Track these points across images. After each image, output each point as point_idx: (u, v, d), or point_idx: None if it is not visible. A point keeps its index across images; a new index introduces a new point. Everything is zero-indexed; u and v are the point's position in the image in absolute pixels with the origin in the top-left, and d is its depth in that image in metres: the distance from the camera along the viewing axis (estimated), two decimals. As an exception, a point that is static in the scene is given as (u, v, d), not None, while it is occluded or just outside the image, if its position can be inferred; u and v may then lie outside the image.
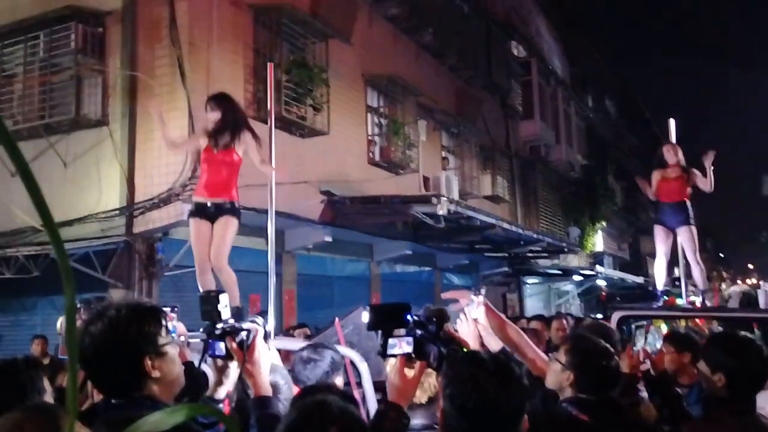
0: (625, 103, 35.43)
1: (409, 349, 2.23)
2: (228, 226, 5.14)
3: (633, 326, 7.08)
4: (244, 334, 2.37)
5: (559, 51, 25.63)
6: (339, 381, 3.21)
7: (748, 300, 7.60)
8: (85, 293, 8.71)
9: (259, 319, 2.61)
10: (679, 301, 7.80)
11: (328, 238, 10.93)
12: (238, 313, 3.74)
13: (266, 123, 9.85)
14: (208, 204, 5.18)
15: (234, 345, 2.33)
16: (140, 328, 1.95)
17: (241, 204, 8.93)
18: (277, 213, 9.93)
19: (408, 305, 2.35)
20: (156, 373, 1.96)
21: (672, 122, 7.98)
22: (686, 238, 7.29)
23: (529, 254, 17.39)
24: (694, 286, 7.53)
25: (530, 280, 21.74)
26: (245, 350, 2.34)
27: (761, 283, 12.96)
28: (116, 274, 8.79)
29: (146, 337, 1.95)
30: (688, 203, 7.38)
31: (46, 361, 8.45)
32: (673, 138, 7.86)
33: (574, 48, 26.95)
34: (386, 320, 2.32)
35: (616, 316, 7.11)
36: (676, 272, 8.20)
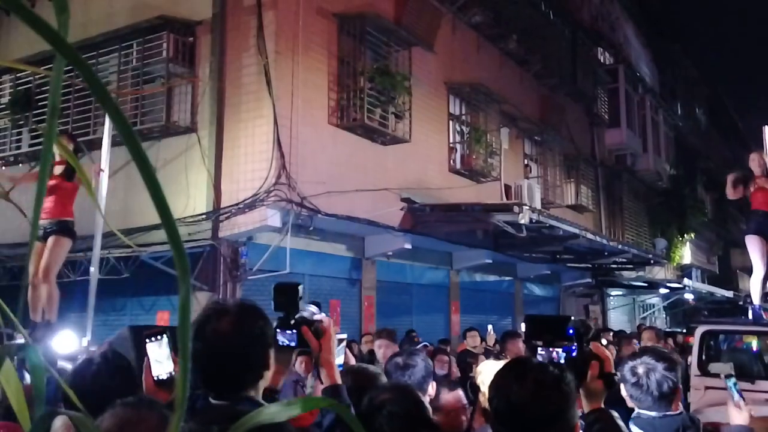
0: (717, 112, 34.05)
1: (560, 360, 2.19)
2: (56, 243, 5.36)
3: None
4: (318, 324, 2.39)
5: (648, 58, 24.80)
6: (432, 387, 3.28)
7: None
8: (172, 295, 8.86)
9: (314, 307, 2.54)
10: None
11: (408, 246, 10.80)
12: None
13: (349, 130, 9.94)
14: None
15: (311, 335, 2.34)
16: (264, 324, 2.04)
17: (324, 210, 8.98)
18: (358, 220, 10.00)
19: (569, 317, 2.33)
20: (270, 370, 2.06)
21: (766, 129, 7.53)
22: None
23: (614, 265, 16.90)
24: None
25: (614, 292, 21.11)
26: (320, 339, 2.36)
27: None
28: (202, 277, 8.90)
29: (268, 333, 2.06)
30: None
31: (134, 359, 8.67)
32: (767, 146, 7.40)
33: (663, 55, 26.07)
34: (546, 331, 2.27)
35: (700, 330, 6.86)
36: None
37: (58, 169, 5.42)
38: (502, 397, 1.82)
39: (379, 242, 10.86)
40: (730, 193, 7.12)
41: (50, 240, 5.35)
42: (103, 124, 9.33)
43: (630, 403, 2.79)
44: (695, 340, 6.88)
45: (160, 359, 2.92)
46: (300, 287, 2.48)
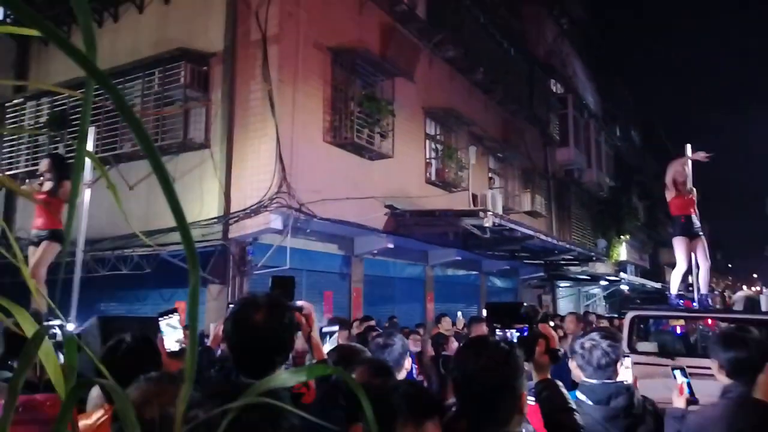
0: (649, 133, 34.38)
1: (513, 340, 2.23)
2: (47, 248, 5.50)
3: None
4: (305, 310, 2.41)
5: (593, 88, 24.97)
6: (408, 362, 3.28)
7: (752, 304, 7.12)
8: (187, 287, 8.74)
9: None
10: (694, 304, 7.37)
11: (391, 245, 10.76)
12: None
13: (341, 147, 9.89)
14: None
15: (303, 319, 2.35)
16: (291, 315, 2.06)
17: (319, 215, 8.91)
18: (348, 223, 9.92)
19: (522, 303, 2.37)
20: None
21: (689, 146, 7.54)
22: (702, 246, 6.88)
23: (562, 262, 16.92)
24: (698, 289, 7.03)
25: (563, 284, 21.20)
26: (309, 323, 2.39)
27: (763, 289, 12.17)
28: (214, 273, 8.78)
29: (294, 322, 2.07)
30: (696, 216, 7.00)
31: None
32: (689, 161, 7.37)
33: (605, 86, 26.28)
34: (504, 315, 2.30)
35: (629, 315, 6.78)
36: (689, 278, 7.67)
37: (47, 186, 5.46)
38: (461, 370, 1.82)
39: (366, 242, 10.80)
40: (669, 193, 7.04)
41: (42, 244, 5.47)
42: (130, 140, 9.26)
43: (577, 374, 2.78)
44: (625, 324, 6.77)
45: (170, 334, 2.90)
46: (294, 280, 2.50)
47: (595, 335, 2.76)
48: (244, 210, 8.72)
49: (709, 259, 6.90)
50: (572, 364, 2.81)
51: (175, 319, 2.90)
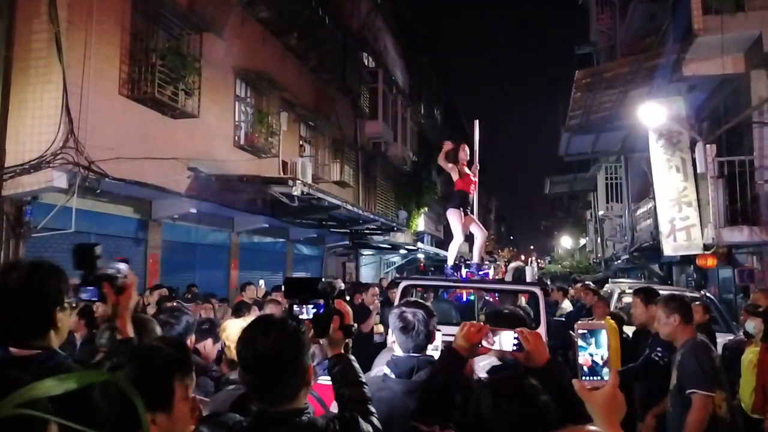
0: (449, 113, 36.73)
1: (309, 315, 2.24)
2: None
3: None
4: (120, 281, 2.23)
5: (402, 65, 25.96)
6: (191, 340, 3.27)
7: (519, 274, 7.68)
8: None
9: (123, 265, 2.34)
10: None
11: (193, 210, 10.28)
12: None
13: (140, 102, 9.14)
14: None
15: (110, 289, 2.20)
16: (50, 281, 1.93)
17: (112, 175, 8.18)
18: (146, 185, 9.25)
19: (319, 279, 2.36)
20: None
21: (476, 122, 7.97)
22: (476, 221, 7.04)
23: (366, 231, 17.53)
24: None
25: (366, 252, 22.03)
26: (119, 295, 2.22)
27: (531, 260, 13.56)
28: (-18, 234, 7.68)
29: (53, 291, 1.93)
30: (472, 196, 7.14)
31: None
32: (476, 135, 7.71)
33: (413, 64, 27.42)
34: (302, 291, 2.29)
35: (402, 284, 6.77)
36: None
37: None
38: (249, 348, 1.81)
39: (166, 206, 10.16)
40: (441, 159, 6.96)
41: None
42: None
43: (394, 347, 2.80)
44: (397, 293, 6.68)
45: None
46: (98, 248, 2.29)
47: (405, 308, 2.74)
48: (21, 165, 7.69)
49: (484, 231, 7.08)
50: (389, 338, 2.85)
51: None
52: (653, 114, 10.69)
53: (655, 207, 12.05)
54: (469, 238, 7.20)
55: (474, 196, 7.14)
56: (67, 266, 2.20)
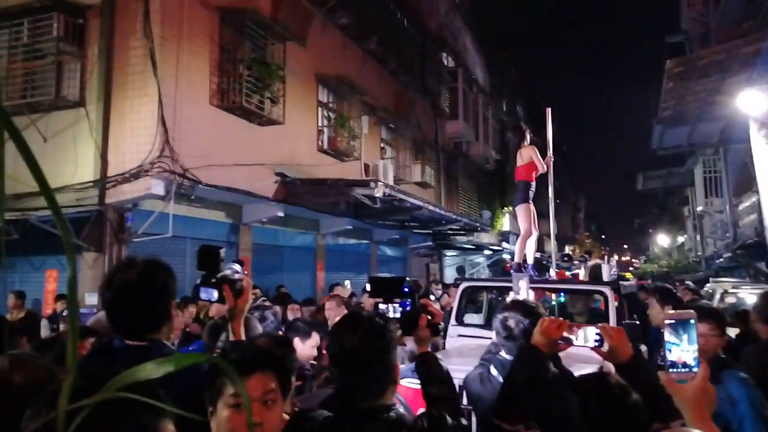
0: (532, 109, 35.91)
1: (396, 314, 2.25)
2: None
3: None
4: (238, 284, 2.29)
5: (481, 63, 25.65)
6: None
7: (596, 273, 7.34)
8: (60, 254, 8.18)
9: (237, 266, 2.43)
10: (568, 274, 7.53)
11: (281, 213, 10.61)
12: None
13: (229, 111, 9.54)
14: None
15: (230, 292, 2.26)
16: (166, 278, 2.00)
17: (205, 181, 8.59)
18: (236, 190, 9.65)
19: (404, 278, 2.36)
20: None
21: (549, 110, 7.65)
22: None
23: (449, 231, 17.43)
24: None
25: (449, 252, 21.87)
26: (237, 298, 2.27)
27: (607, 258, 12.89)
28: (89, 239, 8.26)
29: (170, 286, 2.00)
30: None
31: (21, 314, 7.93)
32: (549, 123, 7.45)
33: (493, 61, 27.04)
34: (386, 290, 2.30)
35: (462, 286, 6.45)
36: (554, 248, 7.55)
37: None
38: (337, 344, 1.84)
39: (255, 210, 10.57)
40: (540, 165, 6.94)
41: None
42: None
43: (499, 349, 2.80)
44: (456, 295, 6.39)
45: None
46: (222, 251, 2.37)
47: (510, 311, 2.76)
48: (122, 174, 8.23)
49: (537, 229, 6.90)
50: (494, 338, 2.82)
51: None
52: (754, 102, 9.99)
53: (759, 201, 11.25)
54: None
55: (549, 179, 7.03)
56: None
